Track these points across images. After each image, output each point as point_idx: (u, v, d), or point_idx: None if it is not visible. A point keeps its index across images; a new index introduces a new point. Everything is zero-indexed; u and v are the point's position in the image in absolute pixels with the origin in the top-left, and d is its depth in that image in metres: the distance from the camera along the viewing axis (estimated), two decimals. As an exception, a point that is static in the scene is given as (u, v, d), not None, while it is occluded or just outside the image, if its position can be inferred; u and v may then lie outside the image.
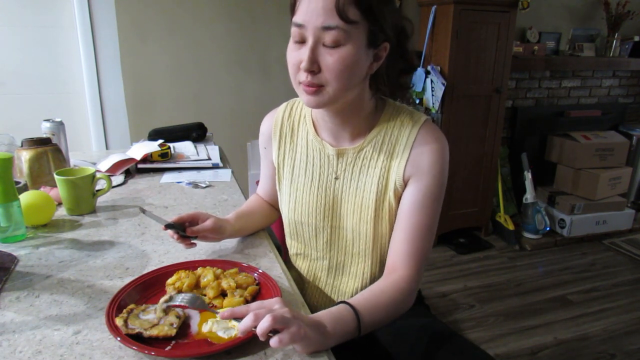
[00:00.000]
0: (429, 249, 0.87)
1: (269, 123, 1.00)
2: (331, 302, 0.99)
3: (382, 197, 0.87)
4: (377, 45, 0.79)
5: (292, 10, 0.78)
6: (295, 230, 0.98)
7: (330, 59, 0.75)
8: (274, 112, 1.00)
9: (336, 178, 0.91)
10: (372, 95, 0.87)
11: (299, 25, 0.75)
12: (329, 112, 0.87)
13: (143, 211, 0.95)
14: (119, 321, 0.65)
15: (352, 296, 0.87)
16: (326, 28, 0.73)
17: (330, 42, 0.74)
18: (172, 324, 0.66)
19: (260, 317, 0.60)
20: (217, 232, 0.91)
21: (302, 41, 0.76)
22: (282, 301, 0.66)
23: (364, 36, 0.75)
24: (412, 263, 0.84)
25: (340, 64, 0.75)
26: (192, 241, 0.89)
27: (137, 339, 0.63)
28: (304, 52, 0.75)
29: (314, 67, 0.76)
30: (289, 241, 1.04)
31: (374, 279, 0.94)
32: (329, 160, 0.91)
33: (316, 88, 0.77)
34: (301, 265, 1.02)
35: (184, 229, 0.87)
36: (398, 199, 0.87)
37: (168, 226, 0.85)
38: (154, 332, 0.64)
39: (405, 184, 0.86)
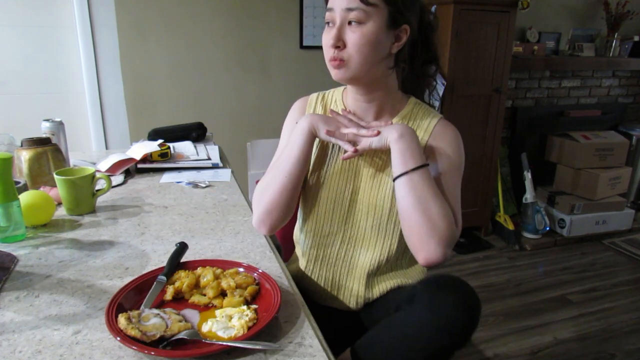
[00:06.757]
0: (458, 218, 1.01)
1: (303, 103, 1.07)
2: (343, 274, 1.03)
3: None
4: (397, 27, 0.88)
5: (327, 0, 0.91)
6: (311, 204, 1.00)
7: (353, 35, 0.86)
8: (305, 97, 1.08)
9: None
10: (398, 87, 0.98)
11: (329, 9, 0.88)
12: (357, 89, 0.95)
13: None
14: (134, 331, 0.62)
15: (364, 269, 0.99)
16: (349, 9, 0.85)
17: (353, 20, 0.85)
18: (180, 321, 0.67)
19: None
20: None
21: (333, 23, 0.88)
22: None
23: (384, 17, 0.86)
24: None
25: (361, 38, 0.85)
26: None
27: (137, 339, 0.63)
28: (333, 31, 0.87)
29: (339, 43, 0.87)
30: (300, 224, 1.05)
31: (390, 251, 0.99)
32: None
33: (340, 62, 0.88)
34: (310, 243, 1.03)
35: None
36: None
37: None
38: (174, 330, 0.64)
39: None
